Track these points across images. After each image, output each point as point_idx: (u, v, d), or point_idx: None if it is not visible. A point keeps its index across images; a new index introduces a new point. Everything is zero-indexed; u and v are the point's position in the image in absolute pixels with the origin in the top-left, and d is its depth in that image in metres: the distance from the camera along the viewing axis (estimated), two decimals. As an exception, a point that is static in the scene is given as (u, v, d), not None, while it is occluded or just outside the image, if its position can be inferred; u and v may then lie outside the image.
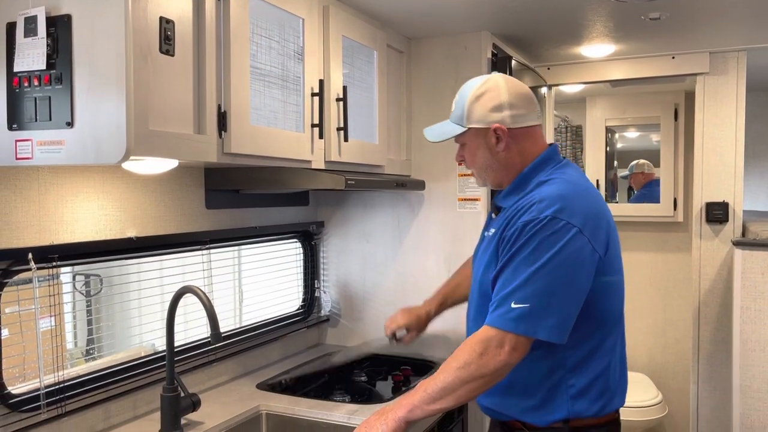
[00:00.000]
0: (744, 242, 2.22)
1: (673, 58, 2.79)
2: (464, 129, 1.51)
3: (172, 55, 1.30)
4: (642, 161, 3.76)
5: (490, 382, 1.37)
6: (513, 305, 1.34)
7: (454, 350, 1.41)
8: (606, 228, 1.43)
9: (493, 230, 1.51)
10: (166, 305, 1.60)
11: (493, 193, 1.80)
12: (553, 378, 1.43)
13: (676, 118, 3.58)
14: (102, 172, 1.59)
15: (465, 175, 2.28)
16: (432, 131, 1.60)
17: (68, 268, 1.64)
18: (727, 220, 2.77)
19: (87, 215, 1.56)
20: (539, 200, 1.39)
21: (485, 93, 1.49)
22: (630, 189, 3.81)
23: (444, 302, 1.94)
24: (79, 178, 1.54)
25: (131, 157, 1.19)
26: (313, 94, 1.76)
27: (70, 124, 1.21)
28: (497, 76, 1.53)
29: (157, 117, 1.26)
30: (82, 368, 1.63)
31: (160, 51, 1.27)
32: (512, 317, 1.34)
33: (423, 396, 1.40)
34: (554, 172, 1.49)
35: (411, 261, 2.39)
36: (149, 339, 1.84)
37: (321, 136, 1.79)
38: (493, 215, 1.59)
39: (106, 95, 1.18)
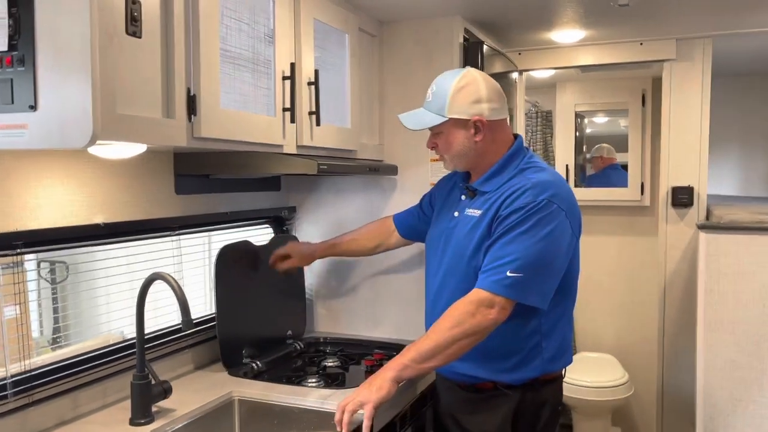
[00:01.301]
0: (708, 226, 2.27)
1: (641, 44, 2.82)
2: (445, 119, 1.63)
3: (140, 37, 1.27)
4: (602, 146, 3.82)
5: (478, 340, 1.53)
6: (508, 273, 1.51)
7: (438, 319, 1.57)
8: (579, 215, 1.65)
9: (476, 211, 1.66)
10: (135, 292, 1.57)
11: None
12: (531, 341, 1.63)
13: (643, 103, 3.63)
14: (67, 156, 1.55)
15: (437, 160, 2.28)
16: (410, 119, 1.71)
17: (33, 255, 1.61)
18: (692, 204, 2.84)
19: (52, 201, 1.52)
20: (532, 186, 1.58)
21: (466, 86, 1.62)
22: (583, 171, 3.87)
23: (333, 248, 2.14)
24: (43, 163, 1.50)
25: (98, 142, 1.16)
26: (284, 78, 1.74)
27: (34, 107, 1.17)
28: (473, 71, 1.66)
29: (125, 100, 1.23)
30: (49, 357, 1.60)
31: (127, 32, 1.23)
32: (507, 284, 1.51)
33: (414, 356, 1.53)
34: (528, 160, 1.68)
35: (383, 246, 2.38)
36: (118, 327, 1.81)
37: (293, 120, 1.77)
38: (463, 197, 1.74)
39: (71, 78, 1.14)
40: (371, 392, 1.51)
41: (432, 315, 1.74)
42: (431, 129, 1.68)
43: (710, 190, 3.07)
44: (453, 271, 1.68)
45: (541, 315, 1.62)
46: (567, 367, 1.75)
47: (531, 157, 1.70)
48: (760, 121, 3.60)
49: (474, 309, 1.51)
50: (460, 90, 1.62)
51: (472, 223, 1.65)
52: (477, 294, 1.53)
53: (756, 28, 2.57)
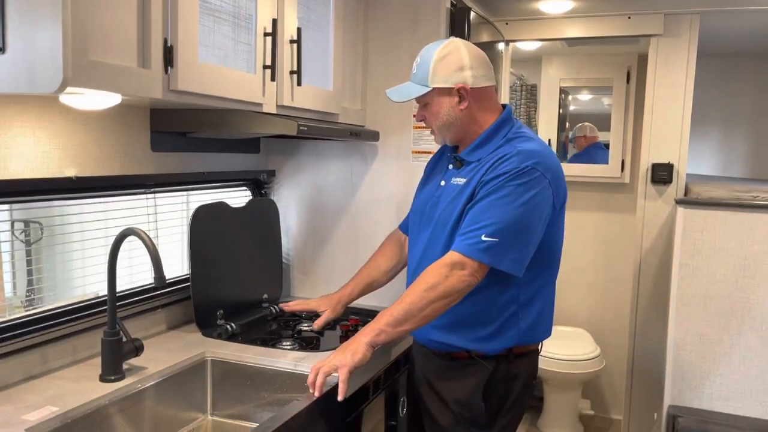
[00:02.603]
0: (686, 201, 2.29)
1: (629, 18, 2.81)
2: (429, 89, 1.62)
3: (115, -19, 1.22)
4: (584, 125, 3.82)
5: (453, 302, 1.53)
6: (483, 237, 1.50)
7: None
8: (564, 187, 1.62)
9: (461, 179, 1.64)
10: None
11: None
12: (508, 311, 1.63)
13: (628, 80, 3.63)
14: (38, 105, 1.50)
15: (419, 127, 2.26)
16: (395, 92, 1.69)
17: (6, 216, 1.56)
18: (671, 181, 2.85)
19: (21, 151, 1.47)
20: (517, 153, 1.56)
21: (447, 55, 1.61)
22: (565, 147, 3.88)
23: (360, 287, 1.98)
24: (12, 110, 1.45)
25: (68, 88, 1.12)
26: (265, 34, 1.70)
27: (2, 50, 1.12)
28: (456, 40, 1.64)
29: (98, 46, 1.19)
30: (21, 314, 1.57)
31: (101, -25, 1.19)
32: (481, 248, 1.50)
33: (389, 320, 1.53)
34: (517, 130, 1.66)
35: (363, 213, 2.37)
36: (92, 283, 1.78)
37: (273, 79, 1.73)
38: (450, 167, 1.72)
39: (42, 19, 1.10)
40: (346, 357, 1.51)
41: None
42: (418, 101, 1.67)
43: (690, 169, 3.09)
44: (436, 240, 1.66)
45: (519, 285, 1.61)
46: (543, 342, 1.74)
47: (520, 127, 1.68)
48: (743, 103, 3.61)
49: (447, 271, 1.50)
50: (442, 59, 1.60)
51: (456, 192, 1.64)
52: (451, 256, 1.52)
53: (743, 5, 2.56)
